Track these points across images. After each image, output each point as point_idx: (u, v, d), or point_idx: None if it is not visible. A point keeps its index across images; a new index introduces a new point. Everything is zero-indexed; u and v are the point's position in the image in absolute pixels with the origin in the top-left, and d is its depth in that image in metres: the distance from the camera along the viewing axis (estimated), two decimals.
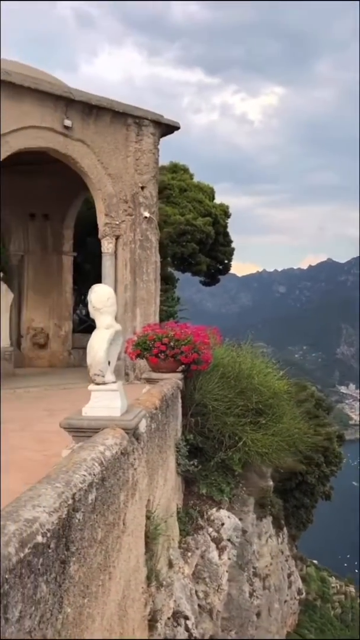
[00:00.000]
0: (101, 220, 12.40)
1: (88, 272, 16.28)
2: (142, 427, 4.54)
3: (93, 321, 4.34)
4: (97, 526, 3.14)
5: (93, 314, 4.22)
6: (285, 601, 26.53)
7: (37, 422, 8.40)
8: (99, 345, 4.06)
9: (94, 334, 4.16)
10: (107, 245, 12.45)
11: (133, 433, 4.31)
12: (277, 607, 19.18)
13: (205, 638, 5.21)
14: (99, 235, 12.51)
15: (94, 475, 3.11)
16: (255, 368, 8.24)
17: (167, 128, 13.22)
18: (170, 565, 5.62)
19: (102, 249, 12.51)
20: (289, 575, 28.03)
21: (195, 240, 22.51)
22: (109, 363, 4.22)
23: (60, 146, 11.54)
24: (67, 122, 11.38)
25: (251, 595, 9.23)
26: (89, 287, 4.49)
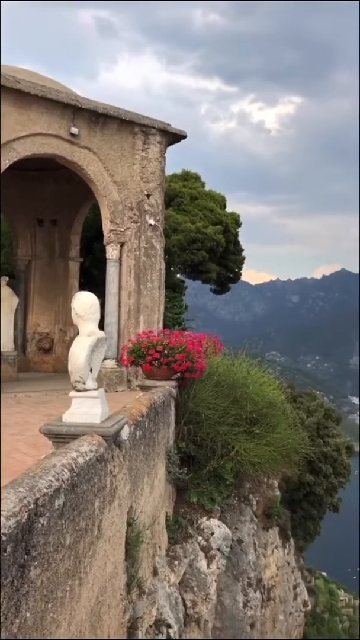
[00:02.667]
0: (106, 226, 12.49)
1: (95, 277, 16.38)
2: (125, 434, 4.56)
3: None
4: (65, 532, 3.17)
5: (76, 321, 4.26)
6: (291, 613, 26.33)
7: (34, 427, 8.45)
8: (79, 352, 4.10)
9: (76, 341, 4.20)
10: (111, 252, 12.53)
11: (114, 440, 4.34)
12: (282, 619, 19.03)
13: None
14: (104, 242, 12.59)
15: (63, 481, 3.14)
16: (250, 377, 8.23)
17: (174, 137, 13.29)
18: (155, 573, 5.63)
19: (107, 256, 12.60)
20: (295, 587, 27.82)
21: (205, 248, 22.60)
22: (90, 370, 4.26)
23: (67, 153, 11.66)
24: (74, 130, 11.51)
25: (245, 605, 9.17)
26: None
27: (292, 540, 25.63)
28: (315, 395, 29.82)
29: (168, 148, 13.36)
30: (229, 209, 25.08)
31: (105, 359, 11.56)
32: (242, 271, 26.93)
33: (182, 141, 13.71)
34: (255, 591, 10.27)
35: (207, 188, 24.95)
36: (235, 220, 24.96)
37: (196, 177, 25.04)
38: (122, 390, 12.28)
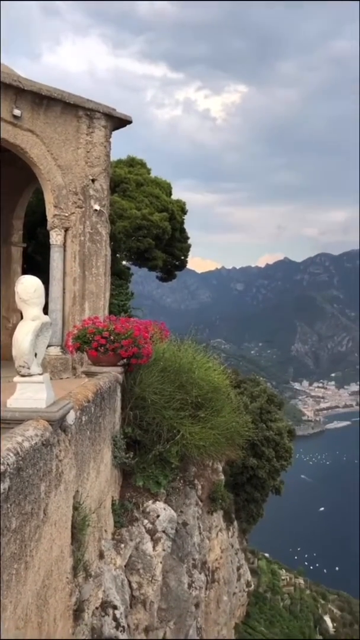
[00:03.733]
0: (50, 211, 12.27)
1: (39, 263, 16.08)
2: (70, 419, 4.56)
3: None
4: (10, 515, 3.16)
5: (20, 305, 4.21)
6: (234, 593, 27.04)
7: None
8: (23, 337, 4.05)
9: (20, 325, 4.15)
10: (55, 237, 12.32)
11: (59, 425, 4.33)
12: (225, 599, 19.54)
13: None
14: (48, 227, 12.37)
15: (8, 465, 3.13)
16: (195, 362, 8.34)
17: (119, 121, 13.15)
18: (102, 556, 5.67)
19: (51, 241, 12.38)
20: (238, 568, 28.55)
21: (151, 235, 22.52)
22: (35, 355, 4.22)
23: (9, 135, 11.35)
24: (17, 112, 11.20)
25: (190, 586, 9.36)
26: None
27: (235, 523, 26.24)
28: (258, 381, 30.50)
29: (113, 133, 13.21)
30: (174, 197, 25.08)
31: (49, 345, 11.39)
32: (188, 259, 27.03)
33: (128, 127, 13.58)
34: (200, 572, 10.49)
35: (152, 175, 24.84)
36: (181, 208, 24.97)
37: (142, 164, 24.86)
38: (67, 378, 12.17)
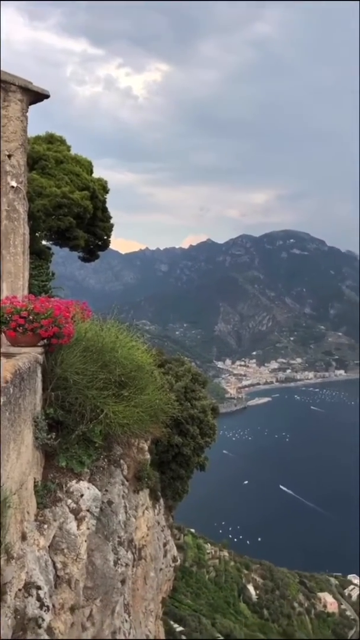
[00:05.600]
0: None
1: None
2: None
3: None
4: None
5: None
6: (161, 569, 27.49)
7: None
8: None
9: None
10: None
11: None
12: (152, 576, 19.88)
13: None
14: None
15: None
16: (118, 342, 8.32)
17: (36, 95, 12.69)
18: (24, 537, 5.60)
19: None
20: (165, 545, 29.04)
21: (72, 214, 22.05)
22: None
23: None
24: None
25: (116, 563, 9.44)
26: None
27: (162, 501, 26.65)
28: (183, 361, 30.95)
29: (30, 108, 12.74)
30: (95, 175, 24.64)
31: None
32: (111, 239, 26.77)
33: (47, 103, 13.13)
34: (126, 550, 10.60)
35: (73, 152, 24.25)
36: (103, 187, 24.60)
37: (61, 141, 24.20)
38: None
